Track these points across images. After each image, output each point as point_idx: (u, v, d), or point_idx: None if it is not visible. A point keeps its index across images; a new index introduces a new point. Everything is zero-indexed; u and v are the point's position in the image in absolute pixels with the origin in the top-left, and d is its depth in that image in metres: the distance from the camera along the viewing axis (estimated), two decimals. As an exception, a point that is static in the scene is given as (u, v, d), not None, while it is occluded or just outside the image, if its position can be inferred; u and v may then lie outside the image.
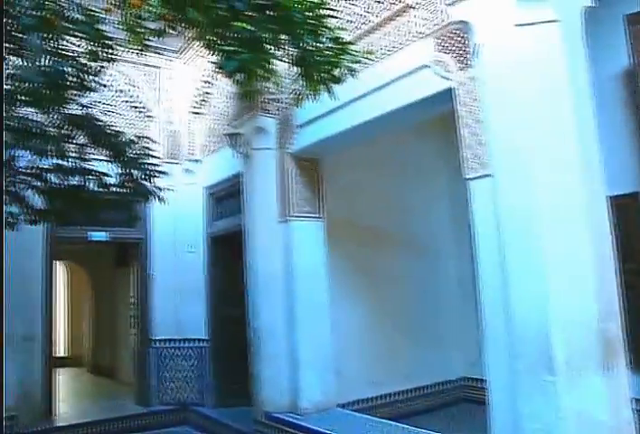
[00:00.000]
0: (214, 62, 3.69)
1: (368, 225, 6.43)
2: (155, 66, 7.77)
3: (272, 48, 3.09)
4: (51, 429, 6.69)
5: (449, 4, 3.99)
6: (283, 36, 2.93)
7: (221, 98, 7.30)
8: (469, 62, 3.90)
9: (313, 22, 2.90)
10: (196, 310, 7.50)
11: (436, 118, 5.14)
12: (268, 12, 2.75)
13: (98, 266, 11.52)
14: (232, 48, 2.66)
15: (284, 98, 5.81)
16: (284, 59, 3.26)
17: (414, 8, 4.42)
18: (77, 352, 12.74)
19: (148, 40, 4.96)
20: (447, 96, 4.04)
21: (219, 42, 3.01)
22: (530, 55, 3.38)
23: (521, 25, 3.40)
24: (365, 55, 3.84)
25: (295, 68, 3.38)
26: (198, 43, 3.67)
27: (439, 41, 4.16)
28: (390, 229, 6.69)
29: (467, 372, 6.96)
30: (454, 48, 4.06)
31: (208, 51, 3.47)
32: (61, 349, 12.48)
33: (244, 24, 2.61)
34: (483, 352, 3.67)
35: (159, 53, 7.70)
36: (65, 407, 7.50)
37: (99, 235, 7.22)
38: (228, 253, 7.30)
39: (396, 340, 6.49)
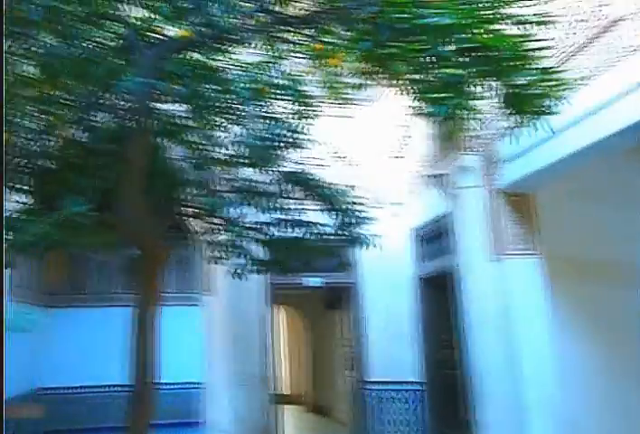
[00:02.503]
0: (414, 107, 3.75)
1: (591, 259, 5.87)
2: (353, 116, 8.13)
3: (477, 88, 3.05)
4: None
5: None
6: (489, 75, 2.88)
7: (421, 139, 7.37)
8: None
9: (520, 56, 2.80)
10: (409, 352, 7.45)
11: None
12: (473, 54, 2.73)
13: (311, 309, 12.08)
14: (441, 94, 2.67)
15: (486, 134, 5.68)
16: (490, 97, 3.20)
17: (626, 20, 4.07)
18: (296, 390, 13.38)
19: (346, 93, 5.25)
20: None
21: (422, 88, 3.05)
22: None
23: None
24: (577, 81, 3.62)
25: (495, 101, 3.29)
26: (396, 90, 3.75)
27: (662, 51, 3.76)
28: (616, 261, 6.03)
29: None
30: (683, 56, 3.64)
31: (411, 98, 3.54)
32: (282, 387, 13.22)
33: (453, 70, 2.61)
34: None
35: (356, 104, 8.05)
36: (291, 443, 7.88)
37: (314, 281, 7.60)
38: (439, 294, 7.19)
39: (636, 388, 5.74)
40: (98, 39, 3.98)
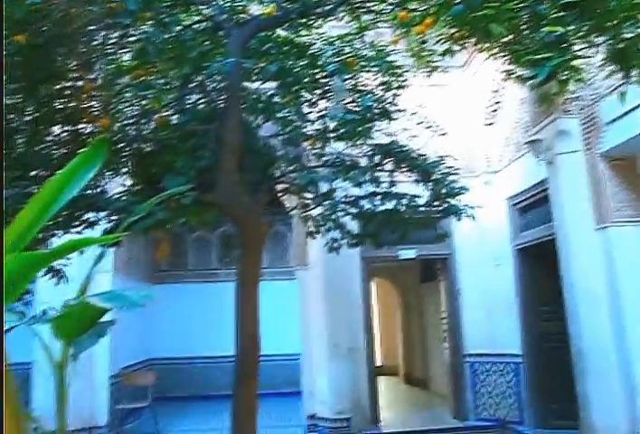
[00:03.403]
0: (508, 70, 3.58)
1: None
2: (441, 84, 7.89)
3: (580, 45, 2.85)
4: (379, 434, 7.19)
5: None
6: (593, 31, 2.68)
7: (514, 105, 7.06)
8: None
9: (628, 6, 2.58)
10: (508, 324, 7.27)
11: None
12: (574, 9, 2.55)
13: (405, 281, 12.07)
14: (540, 55, 2.52)
15: (586, 94, 5.35)
16: (593, 54, 2.99)
17: None
18: (390, 361, 13.47)
19: (434, 61, 5.10)
20: None
21: (519, 50, 2.90)
22: None
23: None
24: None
25: (599, 58, 3.07)
26: (488, 55, 3.59)
27: None
28: None
29: None
30: None
31: (505, 61, 3.38)
32: (377, 359, 13.34)
33: (554, 27, 2.45)
34: None
35: (444, 71, 7.80)
36: (387, 414, 7.95)
37: (408, 253, 7.57)
38: (538, 265, 6.96)
39: None
40: (187, 22, 4.09)
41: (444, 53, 4.47)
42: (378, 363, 13.37)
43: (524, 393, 7.13)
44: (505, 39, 3.04)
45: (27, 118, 4.15)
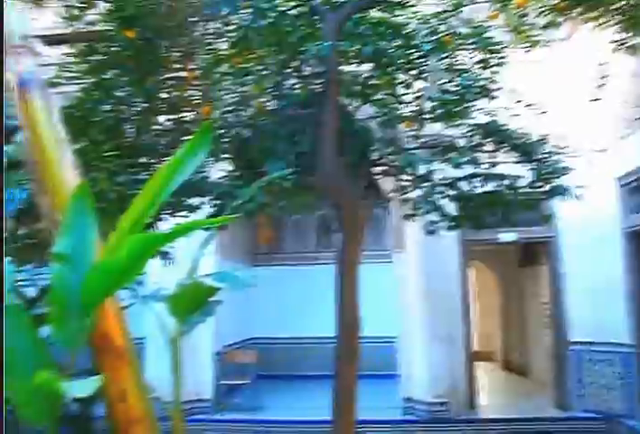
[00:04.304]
0: (619, 40, 3.36)
1: None
2: (542, 60, 7.51)
3: None
4: (476, 419, 7.10)
5: None
6: None
7: (624, 78, 6.60)
8: None
9: None
10: (616, 311, 6.88)
11: None
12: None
13: (503, 265, 11.73)
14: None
15: None
16: None
17: None
18: (486, 347, 13.18)
19: (535, 35, 4.87)
20: None
21: (637, 16, 2.71)
22: None
23: None
24: None
25: None
26: (596, 24, 3.37)
27: None
28: None
29: None
30: None
31: (617, 30, 3.18)
32: (474, 344, 13.11)
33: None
34: None
35: (545, 45, 7.43)
36: (484, 400, 7.81)
37: (509, 236, 7.34)
38: (653, 248, 6.52)
39: None
40: (283, 8, 4.13)
41: (547, 26, 4.28)
42: (475, 348, 13.16)
43: (635, 386, 6.73)
44: (618, 4, 2.86)
45: (135, 109, 4.39)
